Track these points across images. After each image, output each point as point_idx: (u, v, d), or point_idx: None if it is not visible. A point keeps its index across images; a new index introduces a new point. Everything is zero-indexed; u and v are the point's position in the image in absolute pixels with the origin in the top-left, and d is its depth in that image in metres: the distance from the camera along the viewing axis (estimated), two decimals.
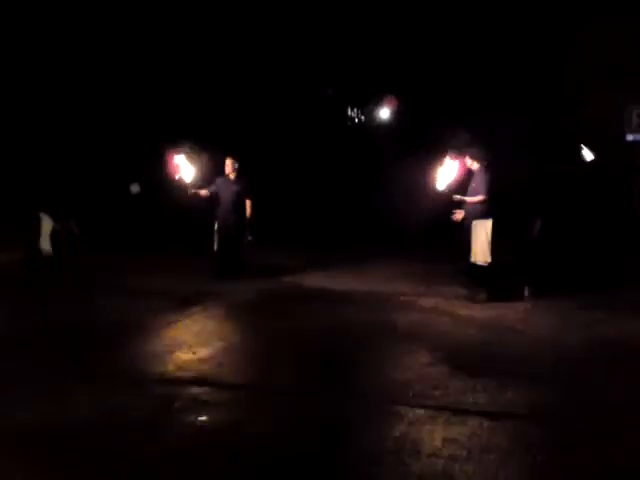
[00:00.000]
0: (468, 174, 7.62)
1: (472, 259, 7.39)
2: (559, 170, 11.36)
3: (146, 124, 13.34)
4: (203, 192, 8.82)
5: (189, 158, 8.76)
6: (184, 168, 8.68)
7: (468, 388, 4.50)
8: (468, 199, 7.41)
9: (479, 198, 7.34)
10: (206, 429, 3.87)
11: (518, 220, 7.47)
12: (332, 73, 14.37)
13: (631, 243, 10.36)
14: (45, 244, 9.46)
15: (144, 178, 12.01)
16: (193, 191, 8.80)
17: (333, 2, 13.61)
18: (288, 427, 3.87)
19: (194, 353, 5.33)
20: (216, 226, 8.91)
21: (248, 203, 8.85)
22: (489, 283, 7.36)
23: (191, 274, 9.36)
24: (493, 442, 3.63)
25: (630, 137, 11.31)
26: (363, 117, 15.49)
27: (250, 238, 8.90)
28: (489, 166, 7.45)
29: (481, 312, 6.90)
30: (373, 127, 14.70)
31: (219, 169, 9.03)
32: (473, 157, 7.48)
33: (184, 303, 7.26)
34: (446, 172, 7.39)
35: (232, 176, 8.89)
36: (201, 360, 5.16)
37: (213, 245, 9.01)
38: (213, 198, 8.88)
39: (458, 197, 7.43)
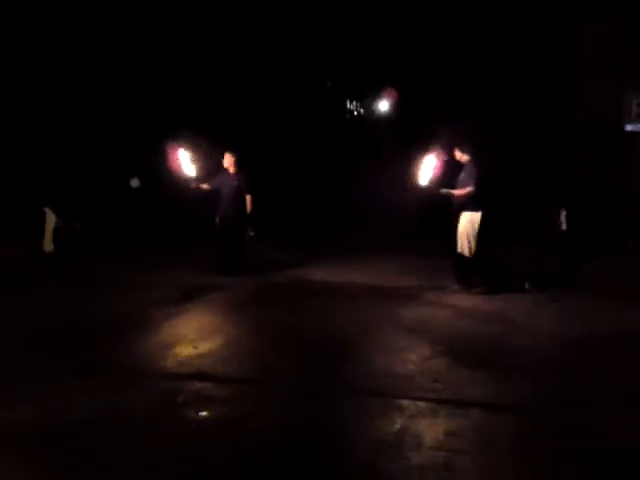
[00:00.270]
0: (458, 167, 7.61)
1: (459, 250, 7.41)
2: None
3: (145, 117, 13.31)
4: (204, 186, 8.81)
5: (189, 150, 8.74)
6: (186, 162, 8.66)
7: (470, 381, 4.51)
8: (455, 192, 7.40)
9: (467, 190, 7.32)
10: (207, 424, 3.87)
11: (505, 213, 7.44)
12: (331, 66, 14.33)
13: (631, 234, 10.34)
14: (48, 241, 9.46)
15: (145, 172, 12.00)
16: (195, 185, 8.79)
17: None
18: (289, 421, 3.88)
19: (195, 348, 5.34)
20: (217, 220, 8.91)
21: (248, 198, 8.83)
22: (479, 275, 7.37)
23: (192, 268, 9.36)
24: (495, 435, 3.64)
25: (629, 127, 11.28)
26: (362, 110, 15.46)
27: (252, 233, 8.90)
28: (477, 159, 7.42)
29: (482, 305, 6.91)
30: (372, 120, 14.67)
31: (220, 163, 9.01)
32: (462, 150, 7.48)
33: (185, 297, 7.27)
34: (427, 166, 7.38)
35: (232, 170, 8.87)
36: (202, 355, 5.16)
37: (214, 239, 9.01)
38: (214, 192, 8.87)
39: (445, 190, 7.42)
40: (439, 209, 7.85)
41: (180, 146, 8.69)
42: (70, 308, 6.97)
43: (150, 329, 6.05)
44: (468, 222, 7.31)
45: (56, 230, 9.48)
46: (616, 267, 8.91)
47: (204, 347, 5.36)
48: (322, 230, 12.18)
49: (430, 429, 3.73)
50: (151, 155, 12.19)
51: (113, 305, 7.01)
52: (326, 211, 12.83)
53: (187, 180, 8.71)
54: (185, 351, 5.27)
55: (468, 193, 7.32)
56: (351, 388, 4.39)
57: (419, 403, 4.09)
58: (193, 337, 5.69)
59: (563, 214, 8.04)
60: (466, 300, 7.12)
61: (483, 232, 7.24)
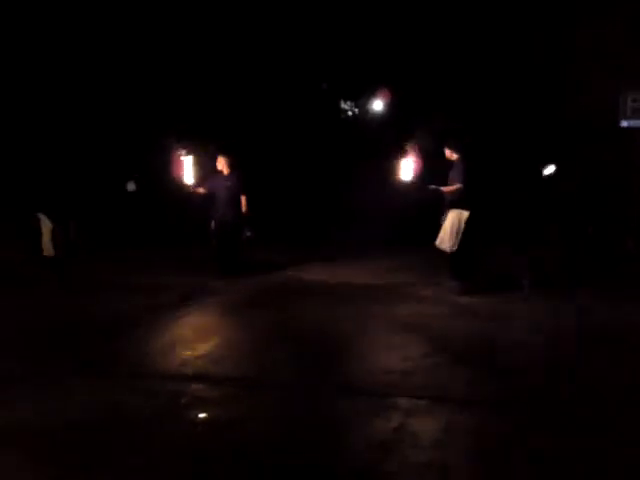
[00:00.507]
0: (449, 165, 7.63)
1: (437, 243, 7.43)
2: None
3: (142, 119, 13.31)
4: (200, 190, 8.84)
5: (192, 154, 8.78)
6: (188, 167, 8.72)
7: (468, 378, 4.53)
8: (443, 188, 7.42)
9: (454, 187, 7.34)
10: (207, 425, 3.89)
11: (500, 212, 7.43)
12: (325, 66, 14.33)
13: (630, 233, 10.34)
14: (47, 246, 9.48)
15: (141, 175, 12.01)
16: (191, 189, 8.83)
17: None
18: (288, 421, 3.89)
19: (194, 349, 5.35)
20: (213, 223, 8.93)
21: (243, 198, 8.86)
22: (456, 273, 7.39)
23: (190, 271, 9.38)
24: (493, 432, 3.66)
25: (625, 123, 11.30)
26: (357, 110, 15.46)
27: (249, 234, 8.91)
28: (466, 157, 7.43)
29: (479, 302, 6.93)
30: (367, 119, 14.67)
31: (214, 165, 9.04)
32: (452, 148, 7.51)
33: (183, 300, 7.28)
34: (408, 162, 7.40)
35: (225, 172, 8.90)
36: (201, 356, 5.17)
37: (211, 242, 9.02)
38: (209, 195, 8.90)
39: (433, 187, 7.44)
40: (431, 206, 7.85)
41: (184, 150, 8.73)
42: (69, 310, 6.98)
43: (148, 331, 6.06)
44: (455, 218, 7.33)
45: (53, 234, 9.49)
46: (615, 266, 8.93)
47: (203, 348, 5.38)
48: (319, 230, 12.19)
49: (428, 427, 3.75)
50: (148, 157, 12.21)
51: (112, 307, 7.02)
52: (322, 211, 12.83)
53: (184, 184, 8.75)
54: (184, 352, 5.28)
55: (455, 190, 7.33)
56: (349, 387, 4.41)
57: (417, 401, 4.11)
58: (192, 338, 5.71)
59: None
60: (463, 298, 7.13)
61: (469, 230, 7.23)
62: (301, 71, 14.00)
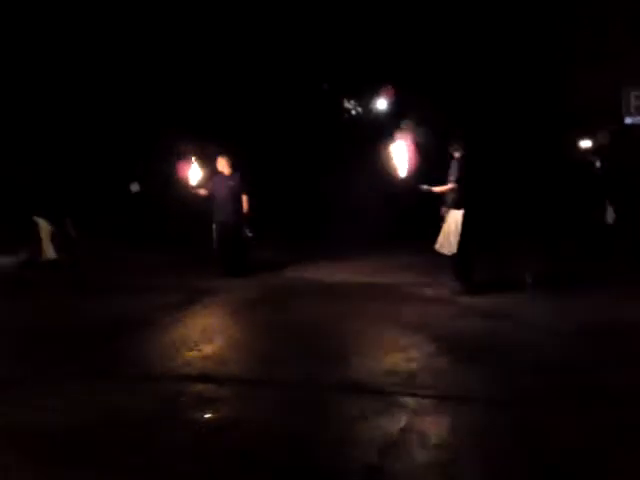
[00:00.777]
0: (447, 163, 7.51)
1: (437, 247, 7.35)
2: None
3: (144, 120, 13.32)
4: (202, 191, 8.86)
5: (198, 156, 8.83)
6: (194, 169, 8.76)
7: (473, 377, 4.50)
8: (436, 189, 7.30)
9: (447, 187, 7.23)
10: (211, 426, 3.87)
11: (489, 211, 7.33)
12: (327, 65, 14.31)
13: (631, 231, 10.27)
14: (48, 249, 9.51)
15: (144, 176, 12.03)
16: (193, 190, 8.85)
17: None
18: (292, 421, 3.87)
19: (198, 350, 5.35)
20: (214, 226, 8.95)
21: (244, 198, 8.85)
22: (457, 274, 7.32)
23: (193, 271, 9.39)
24: (499, 431, 3.64)
25: (629, 120, 11.26)
26: (360, 109, 15.44)
27: (250, 234, 8.91)
28: (464, 155, 7.29)
29: (482, 301, 6.89)
30: (370, 118, 14.66)
31: (215, 166, 9.05)
32: (456, 145, 7.37)
33: (187, 300, 7.28)
34: (400, 156, 7.24)
35: (226, 172, 8.91)
36: (205, 357, 5.17)
37: (213, 243, 9.03)
38: (210, 196, 8.92)
39: (426, 187, 7.30)
40: (428, 204, 7.79)
41: (188, 152, 8.78)
42: (72, 311, 7.01)
43: (153, 331, 6.07)
44: (452, 220, 7.21)
45: (52, 236, 9.53)
46: (616, 261, 8.89)
47: (207, 349, 5.37)
48: (320, 230, 12.18)
49: (434, 426, 3.73)
50: (151, 158, 12.22)
51: (116, 308, 7.04)
52: (323, 210, 12.82)
53: (188, 185, 8.79)
54: (188, 353, 5.27)
55: (448, 190, 7.22)
56: (354, 386, 4.39)
57: (422, 400, 4.08)
58: (196, 339, 5.70)
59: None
60: (465, 297, 7.09)
61: (467, 229, 7.16)
62: (303, 70, 14.00)
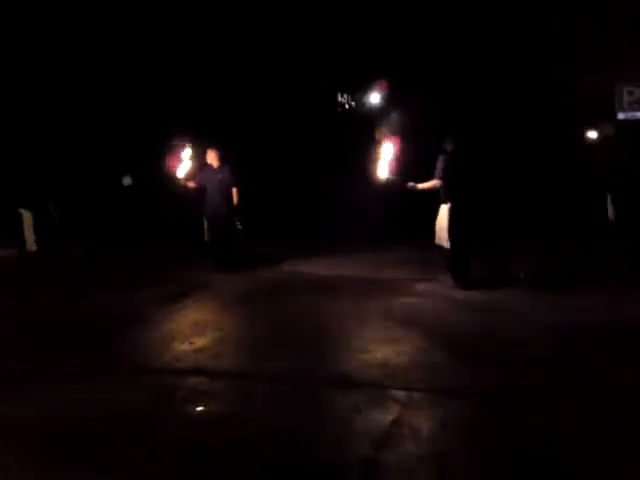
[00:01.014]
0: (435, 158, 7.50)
1: (436, 241, 7.38)
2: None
3: (136, 112, 13.26)
4: (191, 185, 8.83)
5: (189, 149, 8.78)
6: (185, 161, 8.72)
7: (466, 371, 4.52)
8: (421, 185, 7.30)
9: (432, 183, 7.24)
10: (207, 420, 3.88)
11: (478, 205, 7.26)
12: (322, 59, 14.28)
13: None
14: (30, 241, 9.46)
15: (137, 170, 11.97)
16: (183, 184, 8.82)
17: None
18: (286, 414, 3.89)
19: (191, 344, 5.35)
20: (205, 219, 8.93)
21: (234, 191, 8.83)
22: (451, 269, 7.33)
23: (185, 265, 9.39)
24: (491, 425, 3.66)
25: (621, 115, 11.33)
26: (353, 103, 15.42)
27: (240, 227, 8.90)
28: (452, 150, 7.26)
29: (477, 296, 6.90)
30: (364, 112, 14.64)
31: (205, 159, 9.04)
32: (448, 140, 7.36)
33: (179, 294, 7.27)
34: (385, 157, 7.29)
35: (215, 165, 8.89)
36: (199, 350, 5.17)
37: (204, 236, 9.02)
38: (200, 189, 8.90)
39: (411, 184, 7.32)
40: (421, 201, 7.78)
41: (182, 145, 8.73)
42: (62, 307, 6.98)
43: (147, 326, 6.06)
44: (443, 214, 7.24)
45: (34, 227, 9.49)
46: (613, 258, 8.92)
47: (200, 343, 5.37)
48: (314, 224, 12.17)
49: (427, 420, 3.75)
50: (143, 151, 12.17)
51: (109, 303, 7.04)
52: (318, 205, 12.82)
53: (177, 178, 8.75)
54: (182, 347, 5.28)
55: (433, 186, 7.23)
56: (347, 380, 4.40)
57: (414, 394, 4.10)
58: (189, 333, 5.70)
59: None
60: (461, 292, 7.11)
61: (453, 226, 7.15)
62: (298, 64, 13.96)
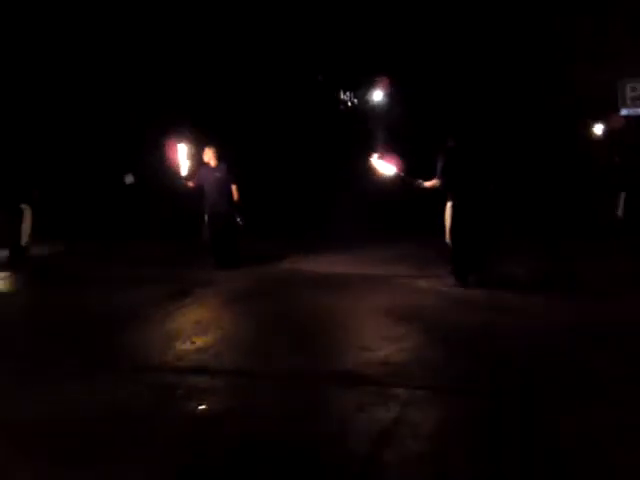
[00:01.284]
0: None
1: (447, 239, 7.38)
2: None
3: (138, 111, 13.26)
4: (190, 184, 8.86)
5: (188, 146, 8.79)
6: (183, 158, 8.74)
7: (466, 368, 4.51)
8: (426, 183, 7.32)
9: (433, 182, 7.26)
10: (207, 418, 3.88)
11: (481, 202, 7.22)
12: (323, 56, 14.25)
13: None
14: (25, 235, 9.47)
15: (138, 168, 11.98)
16: (183, 183, 8.86)
17: None
18: (287, 412, 3.88)
19: (193, 342, 5.34)
20: (206, 216, 8.95)
21: (234, 187, 8.84)
22: (453, 263, 7.32)
23: (186, 263, 9.39)
24: (492, 422, 3.65)
25: (624, 111, 11.29)
26: (356, 100, 15.39)
27: (241, 223, 8.91)
28: (452, 148, 7.25)
29: (478, 294, 6.88)
30: (366, 110, 14.61)
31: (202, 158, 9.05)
32: (450, 137, 7.33)
33: (181, 292, 7.27)
34: (381, 165, 7.38)
35: (213, 164, 8.90)
36: (200, 349, 5.17)
37: (205, 234, 9.04)
38: (199, 189, 8.92)
39: (419, 182, 7.36)
40: (423, 198, 7.79)
41: (179, 142, 8.74)
42: (63, 305, 6.98)
43: (148, 324, 6.06)
44: (447, 212, 7.28)
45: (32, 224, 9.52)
46: (614, 253, 8.91)
47: (201, 341, 5.37)
48: (315, 222, 12.17)
49: (427, 417, 3.74)
50: (145, 150, 12.17)
51: (109, 300, 7.04)
52: (319, 202, 12.81)
53: (178, 176, 8.78)
54: (183, 345, 5.27)
55: (434, 184, 7.25)
56: (348, 377, 4.40)
57: (415, 391, 4.09)
58: (190, 331, 5.69)
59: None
60: (461, 289, 7.09)
61: (453, 223, 7.15)
62: (298, 62, 13.93)
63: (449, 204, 7.24)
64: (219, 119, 13.14)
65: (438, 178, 7.21)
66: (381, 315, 6.09)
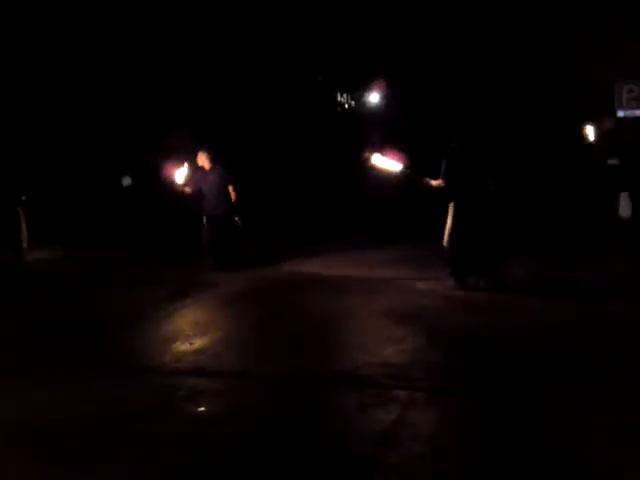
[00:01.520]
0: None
1: (444, 242, 7.36)
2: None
3: (136, 114, 13.24)
4: (187, 190, 8.88)
5: (181, 156, 8.85)
6: (177, 168, 8.78)
7: (466, 369, 4.50)
8: (433, 182, 7.28)
9: (438, 182, 7.23)
10: (206, 419, 3.87)
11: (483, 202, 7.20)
12: (322, 58, 14.26)
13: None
14: (25, 238, 9.45)
15: (136, 170, 11.97)
16: (180, 189, 8.90)
17: None
18: (286, 413, 3.87)
19: (191, 344, 5.33)
20: (204, 219, 8.96)
21: (231, 189, 8.85)
22: (450, 266, 7.30)
23: (185, 265, 9.38)
24: (493, 422, 3.64)
25: (621, 113, 11.30)
26: (353, 102, 15.40)
27: (240, 222, 8.91)
28: (455, 148, 7.23)
29: (478, 295, 6.86)
30: (363, 112, 14.62)
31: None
32: (455, 138, 7.32)
33: (179, 294, 7.26)
34: (382, 161, 7.32)
35: (207, 167, 8.91)
36: (198, 350, 5.16)
37: (204, 236, 9.04)
38: (197, 193, 8.93)
39: (426, 180, 7.32)
40: (424, 198, 7.76)
41: (174, 152, 8.78)
42: (63, 306, 6.96)
43: (146, 325, 6.06)
44: (449, 213, 7.26)
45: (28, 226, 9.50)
46: (605, 253, 8.91)
47: (200, 342, 5.36)
48: (315, 223, 12.15)
49: (427, 418, 3.74)
50: (142, 152, 12.15)
51: (108, 302, 7.03)
52: (319, 204, 12.80)
53: (175, 183, 8.82)
54: (181, 347, 5.27)
55: (440, 184, 7.22)
56: (348, 379, 4.39)
57: (415, 393, 4.09)
58: (189, 333, 5.69)
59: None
60: (460, 291, 7.09)
61: (454, 224, 7.12)
62: (297, 63, 13.93)
63: (451, 205, 7.21)
64: (217, 120, 13.13)
65: (441, 179, 7.20)
66: (381, 317, 6.08)
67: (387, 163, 7.44)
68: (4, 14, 12.28)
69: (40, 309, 6.87)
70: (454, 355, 4.83)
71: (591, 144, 11.19)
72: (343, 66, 14.33)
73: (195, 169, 8.99)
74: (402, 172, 7.40)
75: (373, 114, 14.26)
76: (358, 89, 14.94)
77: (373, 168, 7.58)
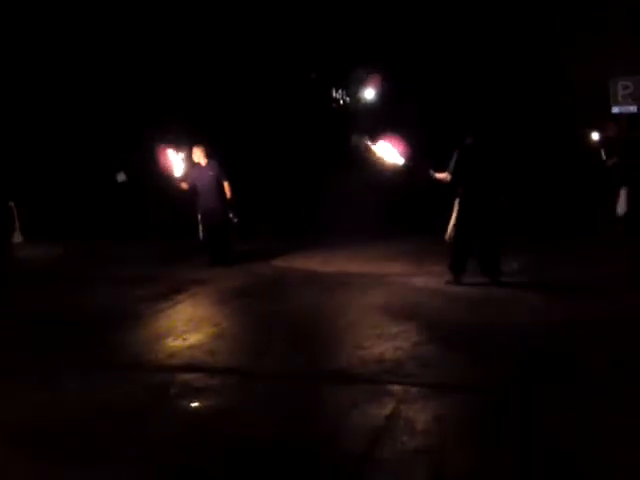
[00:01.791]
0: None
1: (446, 236, 7.31)
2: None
3: (130, 110, 13.19)
4: (184, 185, 8.83)
5: (178, 148, 8.79)
6: (174, 161, 8.73)
7: (461, 365, 4.49)
8: (439, 175, 7.16)
9: (443, 175, 7.13)
10: (200, 415, 3.85)
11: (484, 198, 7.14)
12: (315, 54, 14.21)
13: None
14: (18, 233, 9.41)
15: (130, 166, 11.92)
16: (177, 184, 8.86)
17: None
18: (281, 410, 3.85)
19: (185, 340, 5.31)
20: (199, 216, 8.92)
21: (226, 185, 8.80)
22: (450, 261, 7.25)
23: (180, 261, 9.34)
24: (487, 418, 3.62)
25: (616, 109, 11.30)
26: (348, 98, 15.36)
27: (235, 220, 8.88)
28: (466, 145, 7.12)
29: (475, 291, 6.82)
30: (358, 108, 14.59)
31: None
32: (471, 132, 7.16)
33: (173, 290, 7.24)
34: (385, 151, 7.18)
35: (203, 163, 8.87)
36: (192, 346, 5.13)
37: (199, 233, 9.01)
38: (192, 189, 8.89)
39: (431, 173, 7.20)
40: (424, 193, 7.71)
41: (169, 146, 8.73)
42: (58, 303, 6.94)
43: (140, 322, 6.03)
44: (454, 209, 7.21)
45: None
46: (603, 248, 8.90)
47: (194, 339, 5.33)
48: (310, 219, 12.12)
49: (421, 414, 3.71)
50: (137, 149, 12.10)
51: (102, 299, 7.02)
52: (314, 200, 12.76)
53: (172, 178, 8.77)
54: (175, 343, 5.24)
55: (445, 178, 7.12)
56: (342, 375, 4.37)
57: (410, 388, 4.06)
58: (183, 329, 5.66)
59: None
60: (457, 287, 7.05)
61: (458, 221, 7.07)
62: (291, 60, 13.88)
63: (457, 201, 7.13)
64: (212, 116, 13.08)
65: (449, 173, 7.10)
66: (377, 313, 6.06)
67: (389, 153, 7.27)
68: (3, 14, 12.21)
69: (34, 306, 6.84)
70: (451, 351, 4.80)
71: (597, 150, 11.14)
72: (338, 62, 14.29)
73: (191, 164, 8.95)
74: (404, 164, 7.25)
75: (368, 109, 14.22)
76: (353, 84, 14.90)
77: (372, 157, 7.39)
